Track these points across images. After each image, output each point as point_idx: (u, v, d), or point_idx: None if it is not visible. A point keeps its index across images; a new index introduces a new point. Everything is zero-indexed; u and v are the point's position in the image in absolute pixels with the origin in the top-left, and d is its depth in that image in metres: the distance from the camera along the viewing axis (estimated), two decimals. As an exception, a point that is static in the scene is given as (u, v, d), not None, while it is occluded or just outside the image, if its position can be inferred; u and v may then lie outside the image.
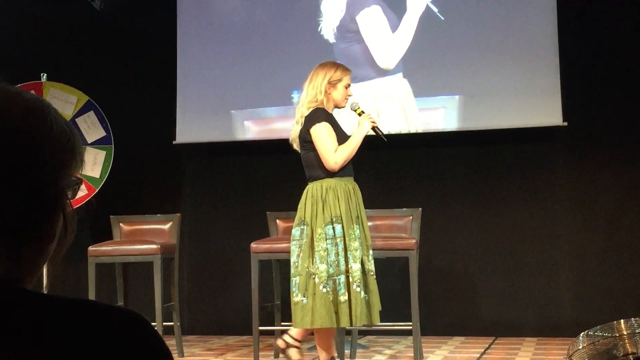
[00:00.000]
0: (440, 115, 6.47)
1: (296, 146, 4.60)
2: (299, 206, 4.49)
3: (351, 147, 4.46)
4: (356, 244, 4.39)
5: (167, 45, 7.02)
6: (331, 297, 4.33)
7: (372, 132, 4.62)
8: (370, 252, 4.48)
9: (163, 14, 7.09)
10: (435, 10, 6.52)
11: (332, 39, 6.71)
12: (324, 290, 4.34)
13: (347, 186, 4.46)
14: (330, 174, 4.45)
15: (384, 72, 6.57)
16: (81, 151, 1.05)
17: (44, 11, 7.24)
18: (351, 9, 6.68)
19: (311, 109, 4.48)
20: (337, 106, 4.55)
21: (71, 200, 1.03)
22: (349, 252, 4.38)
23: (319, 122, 4.44)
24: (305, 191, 4.51)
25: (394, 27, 6.60)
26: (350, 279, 4.36)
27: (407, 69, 6.54)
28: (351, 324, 4.39)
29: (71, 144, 1.02)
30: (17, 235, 0.96)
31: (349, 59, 6.27)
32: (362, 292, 4.36)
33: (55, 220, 1.00)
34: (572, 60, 6.33)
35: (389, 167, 6.66)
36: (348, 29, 6.67)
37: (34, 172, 0.96)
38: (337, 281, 4.34)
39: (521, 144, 6.50)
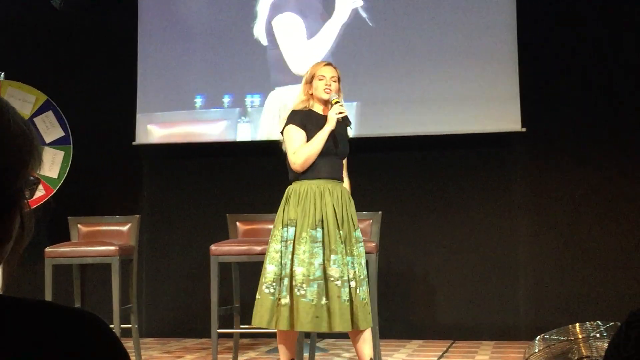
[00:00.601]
0: (397, 120, 6.50)
1: None
2: None
3: (311, 145, 4.40)
4: (304, 248, 4.30)
5: (127, 46, 6.97)
6: (274, 299, 4.31)
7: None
8: (334, 257, 4.31)
9: (123, 13, 7.04)
10: (365, 16, 6.57)
11: (264, 42, 6.78)
12: (267, 291, 4.31)
13: (319, 188, 4.40)
14: (299, 175, 4.44)
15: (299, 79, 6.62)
16: (40, 151, 1.04)
17: (1, 9, 7.15)
18: (271, 13, 6.75)
19: (289, 112, 4.54)
20: (322, 100, 4.55)
21: (29, 200, 1.02)
22: (295, 256, 4.34)
23: (287, 124, 4.47)
24: None
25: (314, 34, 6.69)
26: (293, 282, 4.32)
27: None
28: (292, 328, 4.31)
29: (29, 143, 1.01)
30: None
31: (268, 64, 6.61)
32: (311, 297, 4.26)
33: (12, 220, 0.99)
34: (531, 67, 6.40)
35: (350, 170, 6.67)
36: (268, 34, 6.76)
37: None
38: (282, 284, 4.32)
39: (481, 149, 6.56)
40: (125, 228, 5.91)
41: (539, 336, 3.41)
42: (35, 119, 6.63)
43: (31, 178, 1.02)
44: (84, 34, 7.14)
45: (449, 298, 6.53)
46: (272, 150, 6.20)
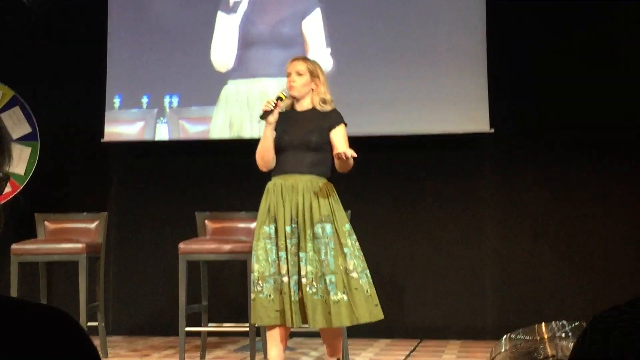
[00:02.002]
0: (364, 120, 6.51)
1: None
2: None
3: (259, 145, 4.46)
4: (261, 244, 4.32)
5: (96, 41, 6.91)
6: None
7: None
8: (281, 253, 4.30)
9: (93, 8, 6.98)
10: (332, 16, 6.59)
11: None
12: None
13: (279, 183, 4.38)
14: (270, 173, 4.46)
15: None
16: (9, 147, 1.03)
17: (-31, 3, 7.07)
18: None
19: None
20: (296, 97, 4.52)
21: (-3, 197, 1.01)
22: (253, 253, 4.38)
23: None
24: None
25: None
26: (252, 279, 4.36)
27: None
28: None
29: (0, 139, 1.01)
30: None
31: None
32: (267, 293, 4.27)
33: (-19, 216, 0.98)
34: (499, 67, 6.44)
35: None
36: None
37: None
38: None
39: (449, 150, 6.60)
40: (92, 225, 5.87)
41: (505, 335, 3.44)
42: (2, 115, 6.56)
43: (0, 174, 1.01)
44: (53, 29, 7.07)
45: (416, 297, 6.56)
46: (244, 148, 6.20)
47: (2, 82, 6.71)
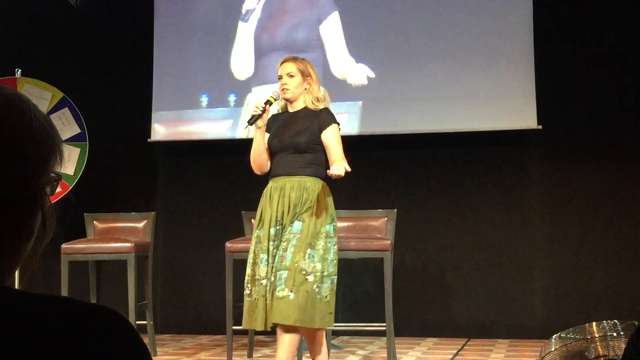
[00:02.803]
0: (414, 117, 6.50)
1: None
2: None
3: (252, 148, 4.41)
4: (253, 248, 4.25)
5: (143, 42, 6.99)
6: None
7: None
8: (262, 255, 4.20)
9: (140, 10, 7.06)
10: (379, 14, 6.56)
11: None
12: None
13: (271, 187, 4.32)
14: (265, 176, 4.43)
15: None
16: (61, 147, 1.04)
17: (19, 6, 7.18)
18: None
19: None
20: (289, 99, 4.43)
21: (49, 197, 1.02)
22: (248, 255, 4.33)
23: None
24: None
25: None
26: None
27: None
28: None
29: (51, 139, 1.02)
30: None
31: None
32: (255, 296, 4.18)
33: (34, 217, 0.99)
34: (547, 64, 6.37)
35: (365, 168, 6.66)
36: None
37: (14, 168, 0.96)
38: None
39: (496, 146, 6.54)
40: (140, 225, 5.93)
41: (555, 335, 3.40)
42: (51, 116, 6.66)
43: (52, 175, 1.03)
44: (100, 30, 7.16)
45: (464, 296, 6.51)
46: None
47: (52, 83, 6.80)
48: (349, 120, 6.49)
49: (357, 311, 6.54)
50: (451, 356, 5.49)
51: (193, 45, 6.95)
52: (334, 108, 4.57)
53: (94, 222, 6.00)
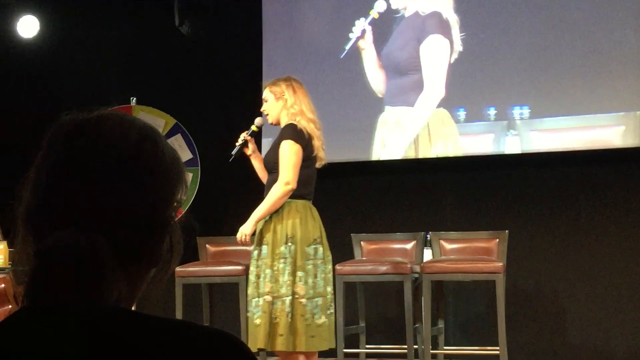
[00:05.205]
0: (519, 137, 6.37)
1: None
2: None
3: None
4: (272, 268, 4.28)
5: (252, 69, 7.10)
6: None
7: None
8: (280, 279, 4.26)
9: (248, 38, 7.18)
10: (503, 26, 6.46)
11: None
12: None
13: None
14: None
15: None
16: (186, 177, 1.07)
17: (134, 37, 7.42)
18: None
19: None
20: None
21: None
22: None
23: None
24: None
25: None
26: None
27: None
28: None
29: (179, 169, 1.05)
30: (129, 258, 0.98)
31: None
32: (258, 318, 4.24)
33: (163, 243, 1.02)
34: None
35: (475, 189, 6.57)
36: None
37: (148, 196, 0.99)
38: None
39: (616, 164, 6.31)
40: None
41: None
42: (165, 142, 6.85)
43: (175, 203, 1.06)
44: (210, 58, 7.32)
45: (579, 320, 6.32)
46: (396, 170, 6.20)
47: (165, 110, 6.99)
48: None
49: (468, 334, 6.43)
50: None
51: (304, 70, 7.01)
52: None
53: (207, 245, 6.12)
